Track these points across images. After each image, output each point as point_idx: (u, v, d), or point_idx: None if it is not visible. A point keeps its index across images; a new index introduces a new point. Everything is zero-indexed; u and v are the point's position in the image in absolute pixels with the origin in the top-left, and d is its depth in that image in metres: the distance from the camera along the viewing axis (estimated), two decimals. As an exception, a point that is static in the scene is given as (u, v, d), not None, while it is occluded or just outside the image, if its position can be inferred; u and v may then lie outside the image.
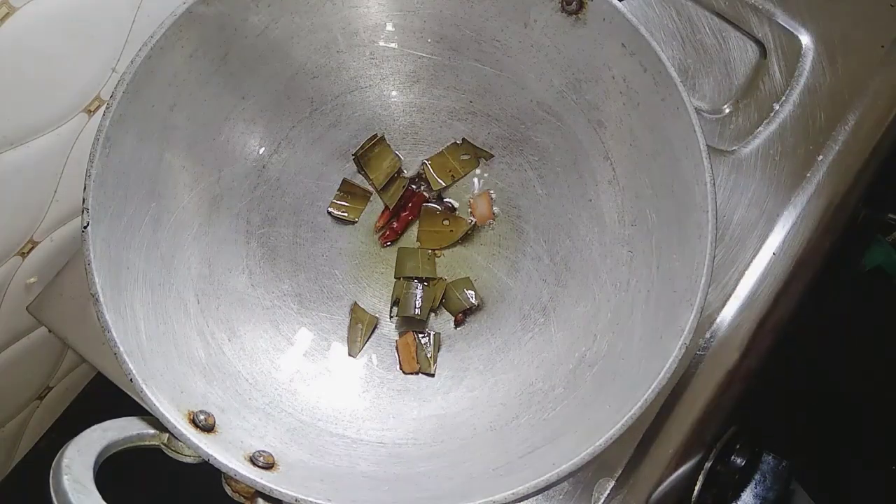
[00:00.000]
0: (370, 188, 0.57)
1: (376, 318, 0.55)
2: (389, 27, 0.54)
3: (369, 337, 0.55)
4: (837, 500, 0.86)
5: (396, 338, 0.55)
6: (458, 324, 0.55)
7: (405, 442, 0.50)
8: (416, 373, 0.54)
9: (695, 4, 0.62)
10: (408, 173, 0.58)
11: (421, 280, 0.55)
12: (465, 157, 0.57)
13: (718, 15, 0.61)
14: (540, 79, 0.53)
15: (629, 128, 0.50)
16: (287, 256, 0.55)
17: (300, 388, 0.51)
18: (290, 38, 0.52)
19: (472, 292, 0.55)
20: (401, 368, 0.54)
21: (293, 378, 0.52)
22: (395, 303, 0.56)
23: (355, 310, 0.55)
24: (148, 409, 0.41)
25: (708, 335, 0.55)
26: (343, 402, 0.52)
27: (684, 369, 0.54)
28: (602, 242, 0.52)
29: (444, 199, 0.57)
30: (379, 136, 0.57)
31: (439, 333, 0.55)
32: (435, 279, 0.56)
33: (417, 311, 0.54)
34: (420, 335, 0.55)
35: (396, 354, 0.54)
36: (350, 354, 0.54)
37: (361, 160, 0.57)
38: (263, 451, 0.43)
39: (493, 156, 0.57)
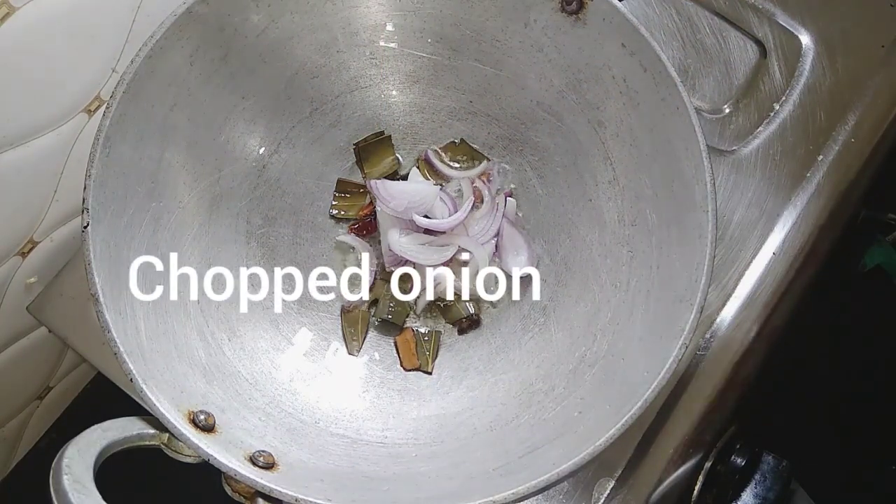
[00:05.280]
0: (364, 182, 0.57)
1: (368, 312, 0.55)
2: (389, 27, 0.54)
3: (366, 334, 0.55)
4: (837, 500, 0.86)
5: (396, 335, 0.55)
6: (462, 331, 0.55)
7: (405, 442, 0.50)
8: (417, 369, 0.54)
9: (695, 4, 0.62)
10: (403, 171, 0.58)
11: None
12: (462, 157, 0.57)
13: (718, 15, 0.61)
14: (540, 79, 0.53)
15: (629, 128, 0.50)
16: (287, 256, 0.55)
17: (300, 388, 0.51)
18: (290, 38, 0.52)
19: (470, 303, 0.55)
20: (401, 365, 0.54)
21: (293, 378, 0.52)
22: (373, 303, 0.56)
23: (344, 310, 0.55)
24: (148, 409, 0.41)
25: (708, 335, 0.55)
26: (343, 402, 0.52)
27: (684, 369, 0.54)
28: (602, 242, 0.52)
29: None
30: (386, 134, 0.57)
31: (440, 332, 0.55)
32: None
33: (389, 315, 0.55)
34: (420, 331, 0.55)
35: (396, 353, 0.54)
36: (350, 353, 0.54)
37: (362, 152, 0.57)
38: (263, 451, 0.43)
39: (489, 159, 0.57)
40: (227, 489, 0.43)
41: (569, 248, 0.54)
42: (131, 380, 0.41)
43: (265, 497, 0.41)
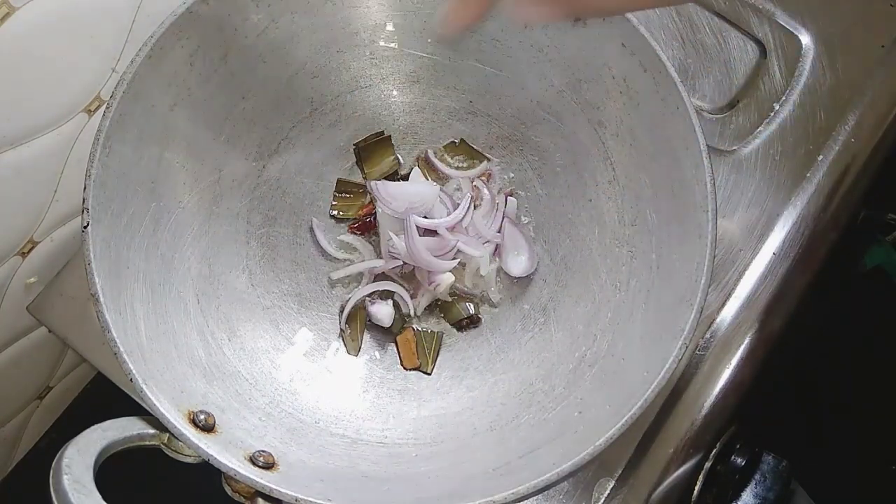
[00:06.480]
0: (364, 182, 0.57)
1: (366, 312, 0.55)
2: (389, 27, 0.54)
3: (363, 333, 0.55)
4: (837, 500, 0.86)
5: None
6: (461, 329, 0.55)
7: (405, 442, 0.50)
8: (417, 368, 0.54)
9: (695, 4, 0.62)
10: (403, 172, 0.58)
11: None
12: (462, 157, 0.57)
13: (718, 15, 0.61)
14: (540, 79, 0.53)
15: (629, 128, 0.50)
16: (287, 256, 0.55)
17: (300, 388, 0.51)
18: (290, 38, 0.52)
19: (470, 304, 0.55)
20: (401, 364, 0.54)
21: (293, 378, 0.52)
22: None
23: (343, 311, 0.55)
24: (148, 409, 0.41)
25: (708, 335, 0.55)
26: (343, 402, 0.52)
27: (684, 369, 0.54)
28: (602, 242, 0.52)
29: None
30: (387, 134, 0.57)
31: (442, 333, 0.55)
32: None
33: (390, 322, 0.55)
34: (421, 331, 0.55)
35: (397, 352, 0.54)
36: (349, 353, 0.54)
37: (362, 152, 0.57)
38: (263, 451, 0.43)
39: (489, 159, 0.57)
40: (227, 489, 0.43)
41: (569, 248, 0.54)
42: (131, 380, 0.41)
43: (265, 497, 0.41)
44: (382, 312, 0.54)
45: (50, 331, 0.60)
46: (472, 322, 0.55)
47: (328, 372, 0.53)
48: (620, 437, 0.41)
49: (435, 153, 0.57)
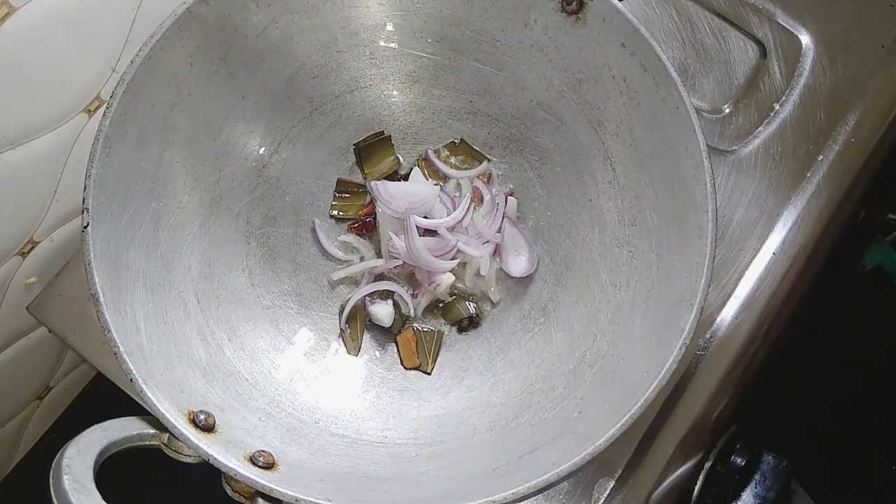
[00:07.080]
0: (364, 182, 0.57)
1: (366, 312, 0.55)
2: (389, 27, 0.54)
3: (363, 333, 0.55)
4: (837, 500, 0.86)
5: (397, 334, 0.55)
6: (461, 330, 0.55)
7: (405, 442, 0.50)
8: (417, 367, 0.54)
9: (695, 4, 0.62)
10: (403, 171, 0.58)
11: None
12: (462, 157, 0.57)
13: (718, 15, 0.61)
14: (540, 79, 0.53)
15: (629, 128, 0.50)
16: (287, 256, 0.55)
17: (300, 387, 0.51)
18: (290, 38, 0.52)
19: (470, 304, 0.55)
20: (401, 363, 0.54)
21: (293, 378, 0.52)
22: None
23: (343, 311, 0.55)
24: (148, 408, 0.41)
25: (708, 335, 0.55)
26: (343, 401, 0.52)
27: (684, 369, 0.54)
28: (602, 242, 0.52)
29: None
30: (386, 134, 0.57)
31: (442, 333, 0.55)
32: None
33: (390, 322, 0.55)
34: (422, 330, 0.55)
35: (397, 352, 0.54)
36: (349, 353, 0.54)
37: (362, 152, 0.57)
38: (263, 451, 0.43)
39: (489, 159, 0.57)
40: (227, 489, 0.43)
41: (569, 248, 0.54)
42: (131, 380, 0.41)
43: (265, 497, 0.41)
44: (382, 312, 0.54)
45: (50, 331, 0.60)
46: (472, 322, 0.55)
47: (328, 372, 0.53)
48: (620, 437, 0.41)
49: (435, 153, 0.57)
